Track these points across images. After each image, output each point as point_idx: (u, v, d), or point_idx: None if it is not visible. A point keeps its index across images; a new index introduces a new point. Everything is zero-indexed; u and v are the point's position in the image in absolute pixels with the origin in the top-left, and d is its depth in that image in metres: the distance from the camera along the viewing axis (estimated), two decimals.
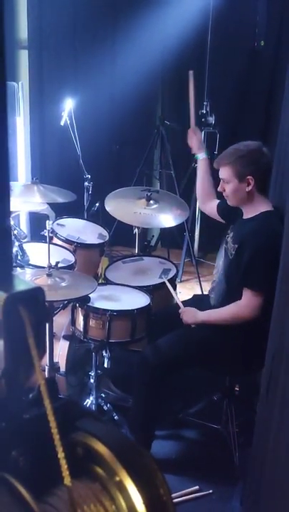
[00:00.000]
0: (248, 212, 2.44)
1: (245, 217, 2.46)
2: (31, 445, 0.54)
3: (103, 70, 4.37)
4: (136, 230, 3.25)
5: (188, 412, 2.78)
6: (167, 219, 3.11)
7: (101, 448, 0.54)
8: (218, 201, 2.75)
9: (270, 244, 2.27)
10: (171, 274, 3.02)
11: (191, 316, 2.51)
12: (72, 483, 0.51)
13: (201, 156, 2.84)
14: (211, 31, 4.15)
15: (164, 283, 2.77)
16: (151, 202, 3.13)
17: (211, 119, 4.26)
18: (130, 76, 4.32)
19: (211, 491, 2.36)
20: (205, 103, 4.25)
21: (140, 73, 4.28)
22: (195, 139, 2.85)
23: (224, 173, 2.40)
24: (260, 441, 1.93)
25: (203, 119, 4.23)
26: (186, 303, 2.69)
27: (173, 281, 2.92)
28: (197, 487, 2.37)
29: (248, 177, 2.35)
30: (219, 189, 2.50)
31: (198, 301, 2.69)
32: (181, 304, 2.62)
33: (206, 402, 2.80)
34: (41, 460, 0.53)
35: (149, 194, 3.09)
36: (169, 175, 4.46)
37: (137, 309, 2.51)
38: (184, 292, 3.90)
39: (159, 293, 2.76)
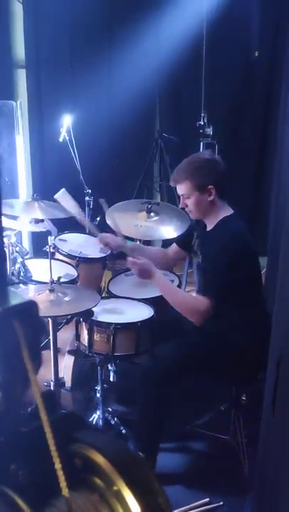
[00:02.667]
0: (211, 223, 2.47)
1: (208, 229, 2.49)
2: (30, 458, 0.55)
3: (100, 85, 4.41)
4: (137, 243, 3.27)
5: (195, 424, 2.76)
6: (168, 230, 3.12)
7: (99, 458, 0.54)
8: (173, 247, 2.82)
9: (232, 253, 2.32)
10: (174, 284, 3.02)
11: (146, 270, 2.46)
12: (70, 494, 0.51)
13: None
14: (205, 43, 4.19)
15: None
16: (152, 214, 3.14)
17: (209, 130, 4.28)
18: (127, 90, 4.36)
19: (221, 503, 2.34)
20: (202, 114, 4.28)
21: (137, 87, 4.32)
22: (111, 242, 2.75)
23: (183, 188, 2.42)
24: (267, 453, 1.91)
25: (201, 131, 4.25)
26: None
27: None
28: (207, 499, 2.35)
29: (209, 187, 2.37)
30: (181, 205, 2.52)
31: None
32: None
33: (214, 413, 2.78)
34: (40, 473, 0.54)
35: (149, 206, 3.11)
36: (168, 187, 4.47)
37: (141, 321, 2.51)
38: None
39: (162, 304, 2.76)
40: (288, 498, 1.55)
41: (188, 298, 2.43)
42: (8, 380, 0.52)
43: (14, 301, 0.51)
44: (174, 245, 2.86)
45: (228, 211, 2.46)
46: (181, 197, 2.46)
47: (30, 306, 0.52)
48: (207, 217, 2.48)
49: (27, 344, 0.50)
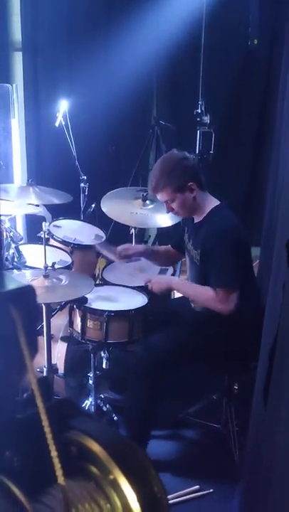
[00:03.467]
0: (199, 216, 2.48)
1: (196, 221, 2.50)
2: (25, 445, 0.54)
3: (97, 70, 4.36)
4: (132, 231, 3.26)
5: (188, 412, 2.77)
6: (164, 219, 3.11)
7: (95, 446, 0.54)
8: (169, 248, 2.85)
9: (229, 241, 2.34)
10: (168, 274, 3.02)
11: (162, 282, 2.55)
12: (66, 482, 0.50)
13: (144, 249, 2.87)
14: (204, 30, 4.14)
15: None
16: (148, 202, 3.13)
17: (206, 119, 4.24)
18: (125, 76, 4.32)
19: (211, 490, 2.36)
20: (200, 102, 4.24)
21: (134, 73, 4.28)
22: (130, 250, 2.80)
23: (164, 195, 2.43)
24: (257, 443, 1.92)
25: (198, 119, 4.21)
26: (177, 300, 2.71)
27: None
28: (198, 486, 2.37)
29: (189, 184, 2.38)
30: (167, 211, 2.53)
31: (188, 301, 2.68)
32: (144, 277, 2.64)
33: (206, 402, 2.79)
34: (35, 460, 0.53)
35: (145, 194, 3.09)
36: None
37: (134, 309, 2.51)
38: None
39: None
40: (277, 488, 1.56)
41: (207, 295, 2.41)
42: (4, 365, 0.51)
43: (11, 285, 0.50)
44: (170, 248, 2.86)
45: (214, 202, 2.47)
46: (165, 203, 2.46)
47: (28, 291, 0.51)
48: (195, 212, 2.49)
49: (24, 330, 0.49)
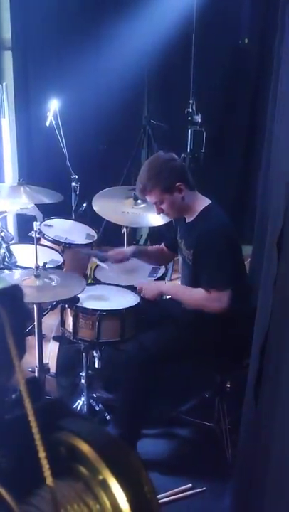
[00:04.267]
0: (191, 215, 2.48)
1: (188, 221, 2.50)
2: (13, 446, 0.53)
3: (88, 70, 4.35)
4: (124, 230, 3.25)
5: (180, 410, 2.77)
6: (155, 218, 3.10)
7: (84, 447, 0.53)
8: (162, 247, 2.85)
9: (222, 240, 2.34)
10: (160, 273, 3.02)
11: (153, 287, 2.54)
12: (55, 483, 0.50)
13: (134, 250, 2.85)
14: (195, 30, 4.15)
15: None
16: (139, 201, 3.12)
17: (198, 118, 4.25)
18: (116, 75, 4.31)
19: (204, 489, 2.36)
20: (191, 101, 4.25)
21: (125, 72, 4.27)
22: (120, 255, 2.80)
23: (153, 197, 2.44)
24: (250, 440, 1.93)
25: (189, 118, 4.22)
26: (169, 300, 2.71)
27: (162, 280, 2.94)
28: (190, 485, 2.37)
29: (177, 184, 2.38)
30: (157, 213, 2.53)
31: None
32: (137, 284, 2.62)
33: (198, 400, 2.79)
34: (24, 461, 0.53)
35: (136, 193, 3.08)
36: None
37: (126, 309, 2.50)
38: None
39: None
40: (271, 487, 1.56)
41: (198, 295, 2.41)
42: None
43: None
44: (163, 247, 2.86)
45: (205, 201, 2.47)
46: (155, 205, 2.46)
47: (15, 290, 0.51)
48: (186, 213, 2.49)
49: (11, 330, 0.49)
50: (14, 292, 0.51)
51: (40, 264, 2.34)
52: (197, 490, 2.35)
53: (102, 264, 2.81)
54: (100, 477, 0.51)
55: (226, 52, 4.56)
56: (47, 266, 2.40)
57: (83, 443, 0.54)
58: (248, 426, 2.01)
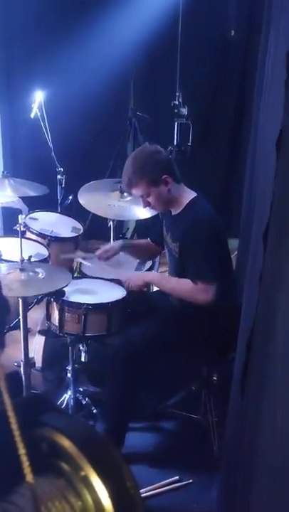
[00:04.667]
0: (177, 208, 2.47)
1: (174, 213, 2.49)
2: None
3: (73, 61, 4.30)
4: (111, 223, 3.23)
5: (166, 403, 2.77)
6: (142, 211, 3.08)
7: (66, 443, 0.52)
8: (148, 241, 2.83)
9: (209, 232, 2.35)
10: (146, 266, 3.01)
11: (138, 278, 2.54)
12: (35, 480, 0.49)
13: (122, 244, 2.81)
14: (181, 21, 4.12)
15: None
16: (125, 194, 3.10)
17: (184, 110, 4.23)
18: (101, 67, 4.27)
19: (191, 481, 2.37)
20: (177, 94, 4.22)
21: (111, 64, 4.23)
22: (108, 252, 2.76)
23: (139, 190, 2.43)
24: (236, 433, 1.93)
25: (176, 110, 4.20)
26: (155, 293, 2.70)
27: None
28: (177, 477, 2.38)
29: (163, 177, 2.38)
30: (144, 206, 2.52)
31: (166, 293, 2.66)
32: (121, 276, 2.61)
33: (185, 393, 2.80)
34: (3, 458, 0.51)
35: (122, 186, 3.06)
36: None
37: (112, 302, 2.49)
38: None
39: None
40: (260, 480, 1.57)
41: (184, 286, 2.40)
42: None
43: None
44: (149, 241, 2.84)
45: (191, 194, 2.47)
46: (141, 198, 2.45)
47: None
48: (172, 205, 2.48)
49: None
50: None
51: (26, 257, 2.31)
52: (184, 482, 2.37)
53: (86, 263, 2.78)
54: (82, 473, 0.50)
55: (213, 44, 4.54)
56: (32, 259, 2.37)
57: (65, 439, 0.52)
58: (234, 419, 2.02)
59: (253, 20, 4.38)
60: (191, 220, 2.37)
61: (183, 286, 2.39)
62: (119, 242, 2.83)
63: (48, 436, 0.54)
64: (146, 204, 2.47)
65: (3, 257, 2.60)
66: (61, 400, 2.65)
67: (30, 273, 2.28)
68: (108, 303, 2.48)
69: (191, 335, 2.41)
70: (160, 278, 2.57)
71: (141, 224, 4.67)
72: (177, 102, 4.25)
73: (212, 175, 4.77)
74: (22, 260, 2.27)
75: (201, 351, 2.47)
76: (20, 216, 2.42)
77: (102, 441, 0.56)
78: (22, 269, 2.26)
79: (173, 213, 2.49)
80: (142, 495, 2.09)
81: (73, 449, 0.51)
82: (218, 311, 2.37)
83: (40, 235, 2.95)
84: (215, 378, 2.72)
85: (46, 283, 2.27)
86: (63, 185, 3.45)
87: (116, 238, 3.22)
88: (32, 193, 2.92)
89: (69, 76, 4.25)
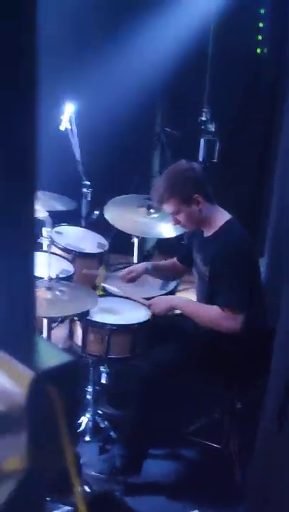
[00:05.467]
0: (209, 230, 2.39)
1: (206, 235, 2.42)
2: None
3: (103, 75, 4.26)
4: (134, 239, 3.17)
5: (187, 430, 2.69)
6: (167, 229, 3.03)
7: None
8: (174, 262, 2.74)
9: (242, 258, 2.28)
10: (171, 286, 2.93)
11: (163, 302, 2.45)
12: None
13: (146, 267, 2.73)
14: (212, 38, 4.10)
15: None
16: (152, 211, 3.06)
17: (211, 127, 4.19)
18: (131, 82, 4.23)
19: None
20: (205, 110, 4.18)
21: (141, 80, 4.19)
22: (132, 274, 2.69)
23: (170, 207, 2.36)
24: (268, 468, 1.85)
25: (203, 127, 4.15)
26: (181, 315, 2.63)
27: (172, 293, 2.86)
28: (197, 511, 2.29)
29: (195, 196, 2.30)
30: (173, 223, 2.45)
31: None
32: (143, 301, 2.54)
33: (207, 420, 2.71)
34: None
35: (150, 203, 3.02)
36: None
37: (137, 324, 2.43)
38: None
39: None
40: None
41: (211, 312, 2.32)
42: (35, 453, 0.43)
43: (51, 361, 0.42)
44: (176, 262, 2.76)
45: (225, 215, 2.40)
46: (171, 215, 2.39)
47: (71, 369, 0.43)
48: (203, 226, 2.41)
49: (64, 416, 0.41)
50: (70, 371, 0.43)
51: (53, 275, 2.25)
52: None
53: (112, 288, 2.69)
54: None
55: (244, 61, 4.48)
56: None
57: None
58: (266, 453, 1.93)
59: (286, 38, 4.32)
60: (224, 243, 2.30)
61: (210, 313, 2.32)
62: (144, 264, 2.76)
63: None
64: (176, 222, 2.41)
65: None
66: (79, 421, 2.58)
67: (57, 292, 2.23)
68: (133, 324, 2.42)
69: (216, 360, 2.33)
70: (186, 303, 2.49)
71: (163, 240, 4.61)
72: (205, 119, 4.21)
73: (237, 193, 4.70)
74: (50, 279, 2.22)
75: (226, 377, 2.39)
76: (45, 229, 2.36)
77: None
78: (49, 288, 2.21)
79: (205, 235, 2.42)
80: None
81: None
82: (246, 338, 2.30)
83: (65, 249, 2.89)
84: (238, 406, 2.63)
85: (72, 304, 2.22)
86: (89, 199, 3.40)
87: (140, 254, 3.16)
88: (59, 207, 2.88)
89: (98, 89, 4.22)
